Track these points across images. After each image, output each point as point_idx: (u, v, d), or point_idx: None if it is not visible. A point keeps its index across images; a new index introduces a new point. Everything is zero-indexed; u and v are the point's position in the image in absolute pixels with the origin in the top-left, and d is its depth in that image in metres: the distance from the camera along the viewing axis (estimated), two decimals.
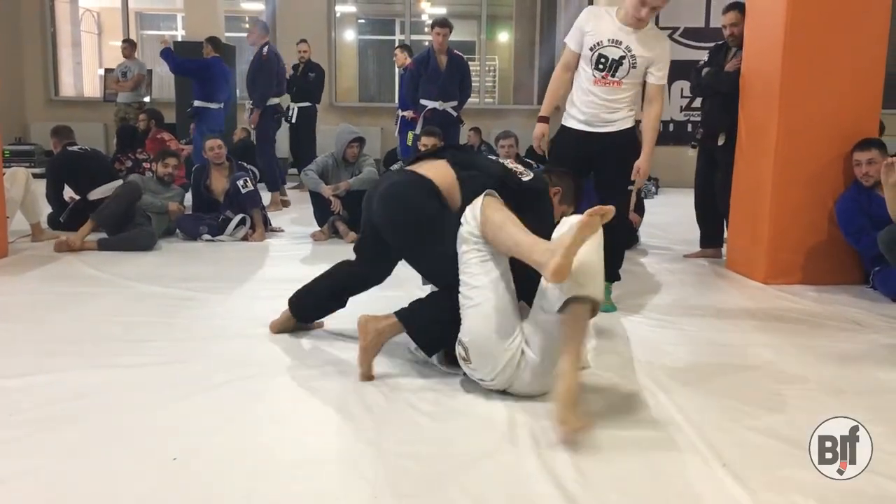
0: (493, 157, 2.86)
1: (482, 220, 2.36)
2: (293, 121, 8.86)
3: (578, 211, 2.67)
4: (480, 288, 2.36)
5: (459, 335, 2.44)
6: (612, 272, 3.80)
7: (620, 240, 3.85)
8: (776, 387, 2.67)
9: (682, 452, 2.10)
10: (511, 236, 2.29)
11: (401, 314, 2.62)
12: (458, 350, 2.46)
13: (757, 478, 1.93)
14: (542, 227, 2.39)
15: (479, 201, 2.41)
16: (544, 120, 3.73)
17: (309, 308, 3.13)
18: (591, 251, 2.24)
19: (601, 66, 3.52)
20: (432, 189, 2.62)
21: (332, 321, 3.19)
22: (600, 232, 2.26)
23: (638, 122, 3.72)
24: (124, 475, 1.90)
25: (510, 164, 2.82)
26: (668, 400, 2.49)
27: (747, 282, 4.47)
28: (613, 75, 3.52)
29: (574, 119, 3.65)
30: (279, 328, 3.13)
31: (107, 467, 1.94)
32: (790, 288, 4.27)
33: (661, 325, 3.50)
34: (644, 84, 3.65)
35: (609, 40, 3.49)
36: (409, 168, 2.77)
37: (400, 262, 2.97)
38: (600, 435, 2.16)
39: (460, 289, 2.43)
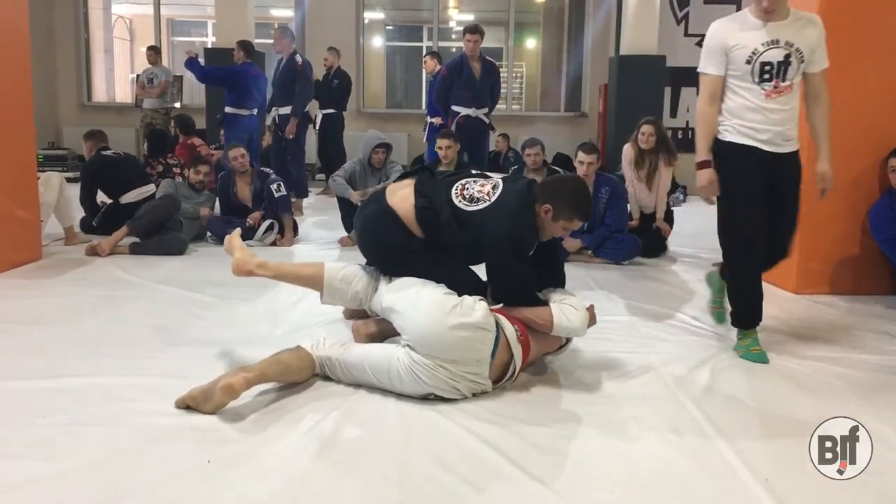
0: (452, 182, 2.95)
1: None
2: (317, 128, 8.92)
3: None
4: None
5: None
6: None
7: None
8: (807, 398, 2.64)
9: (711, 462, 2.08)
10: None
11: None
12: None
13: (791, 489, 1.91)
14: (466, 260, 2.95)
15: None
16: (708, 164, 3.09)
17: None
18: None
19: (767, 76, 2.98)
20: (396, 219, 2.94)
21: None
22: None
23: None
24: (156, 479, 1.92)
25: (459, 192, 2.89)
26: (697, 410, 2.48)
27: (778, 292, 4.41)
28: (784, 80, 2.99)
29: (750, 138, 3.05)
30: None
31: (138, 471, 1.96)
32: (821, 298, 4.21)
33: (690, 334, 3.48)
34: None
35: (764, 44, 2.97)
36: (383, 195, 3.03)
37: None
38: (628, 443, 2.15)
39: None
